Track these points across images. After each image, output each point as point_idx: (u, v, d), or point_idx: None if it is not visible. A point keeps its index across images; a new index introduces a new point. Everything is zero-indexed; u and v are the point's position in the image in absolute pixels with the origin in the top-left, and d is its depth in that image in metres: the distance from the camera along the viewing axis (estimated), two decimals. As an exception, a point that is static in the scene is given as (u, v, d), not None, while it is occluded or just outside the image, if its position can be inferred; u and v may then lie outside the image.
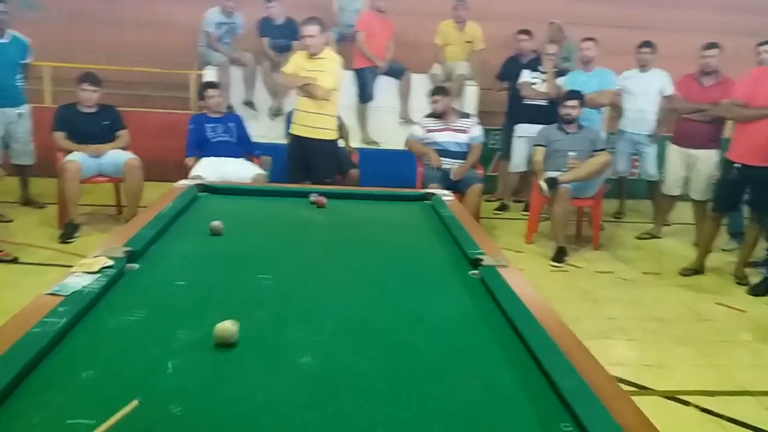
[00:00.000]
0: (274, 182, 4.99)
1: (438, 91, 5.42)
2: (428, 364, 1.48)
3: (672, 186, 5.57)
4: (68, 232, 4.75)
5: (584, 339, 1.59)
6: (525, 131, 6.04)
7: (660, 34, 6.53)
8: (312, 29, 4.66)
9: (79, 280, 1.73)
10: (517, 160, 6.23)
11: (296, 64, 4.82)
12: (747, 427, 2.79)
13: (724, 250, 5.40)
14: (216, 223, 2.39)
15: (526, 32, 6.39)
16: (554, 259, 4.94)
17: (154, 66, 7.17)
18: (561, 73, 5.99)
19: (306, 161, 4.88)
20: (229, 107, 6.31)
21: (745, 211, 5.02)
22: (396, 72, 6.77)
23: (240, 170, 4.98)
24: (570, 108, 5.23)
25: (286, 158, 5.12)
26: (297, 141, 4.92)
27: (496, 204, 6.54)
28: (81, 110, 5.08)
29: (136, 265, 1.96)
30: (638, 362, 3.42)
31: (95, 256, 1.89)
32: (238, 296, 1.83)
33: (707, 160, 5.30)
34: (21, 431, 1.14)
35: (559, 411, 1.28)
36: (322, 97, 4.71)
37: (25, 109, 5.39)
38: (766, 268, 4.63)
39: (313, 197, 2.97)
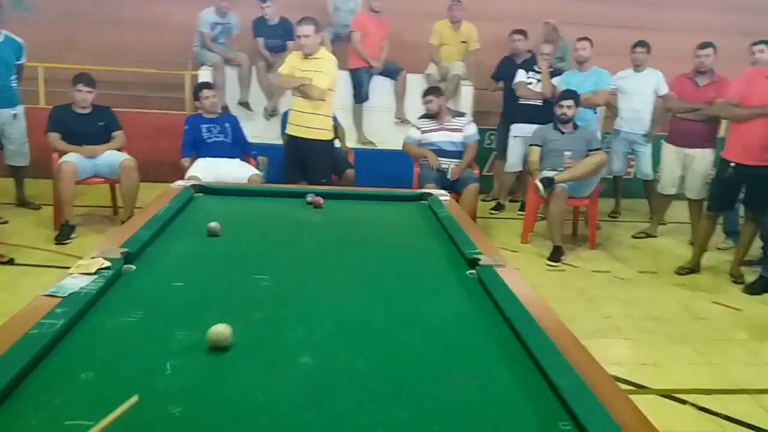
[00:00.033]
0: (270, 183, 4.99)
1: (431, 91, 5.42)
2: (426, 364, 1.48)
3: (667, 185, 5.58)
4: (64, 233, 4.73)
5: (581, 338, 1.59)
6: (520, 131, 6.05)
7: (656, 34, 6.56)
8: (307, 29, 4.65)
9: (77, 281, 1.72)
10: (513, 160, 6.24)
11: (291, 64, 4.81)
12: (743, 425, 2.80)
13: (719, 248, 5.42)
14: (213, 225, 2.38)
15: (521, 32, 6.40)
16: (550, 259, 4.95)
17: (148, 66, 7.16)
18: (556, 72, 6.01)
19: (301, 161, 4.87)
20: (224, 108, 6.31)
21: (741, 209, 5.04)
22: (391, 72, 6.78)
23: (236, 171, 4.98)
24: (565, 108, 5.24)
25: (281, 159, 5.12)
26: (292, 141, 4.91)
27: (492, 204, 6.54)
28: (76, 111, 5.07)
29: (133, 267, 1.96)
30: (635, 361, 3.43)
31: (92, 258, 1.89)
32: (236, 297, 1.83)
33: (702, 159, 5.32)
34: (20, 433, 1.14)
35: (557, 410, 1.28)
36: (319, 98, 4.70)
37: (19, 110, 5.37)
38: (761, 267, 4.64)
39: (310, 197, 2.97)
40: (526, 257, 5.05)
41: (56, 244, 4.66)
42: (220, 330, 1.47)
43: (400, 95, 6.86)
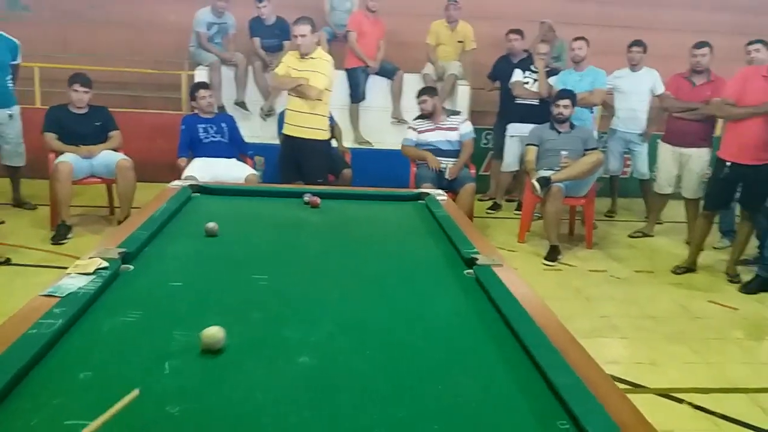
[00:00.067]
0: (266, 182, 4.99)
1: (425, 91, 5.43)
2: (425, 364, 1.48)
3: (664, 184, 5.60)
4: (60, 233, 4.72)
5: (578, 337, 1.59)
6: (517, 131, 6.06)
7: (652, 34, 6.58)
8: (303, 29, 4.65)
9: (75, 281, 1.72)
10: (510, 160, 6.25)
11: (288, 64, 4.81)
12: (739, 424, 2.81)
13: (715, 248, 5.44)
14: (211, 225, 2.38)
15: (517, 32, 6.40)
16: (547, 258, 4.96)
17: (145, 66, 7.15)
18: (552, 72, 6.02)
19: (297, 161, 4.87)
20: (221, 108, 6.30)
21: (737, 209, 5.05)
22: (388, 72, 6.78)
23: (232, 170, 4.98)
24: (562, 107, 5.24)
25: (277, 158, 5.12)
26: (289, 141, 4.91)
27: (489, 203, 6.55)
28: (72, 111, 5.06)
29: (130, 267, 1.96)
30: (631, 360, 3.43)
31: (90, 258, 1.89)
32: (234, 297, 1.83)
33: (699, 158, 5.33)
34: (19, 433, 1.14)
35: (555, 409, 1.28)
36: (316, 98, 4.70)
37: (15, 110, 5.36)
38: (757, 266, 4.66)
39: (307, 197, 2.97)
40: (522, 257, 5.05)
41: (53, 244, 4.65)
42: (213, 333, 1.45)
43: (396, 95, 6.86)
